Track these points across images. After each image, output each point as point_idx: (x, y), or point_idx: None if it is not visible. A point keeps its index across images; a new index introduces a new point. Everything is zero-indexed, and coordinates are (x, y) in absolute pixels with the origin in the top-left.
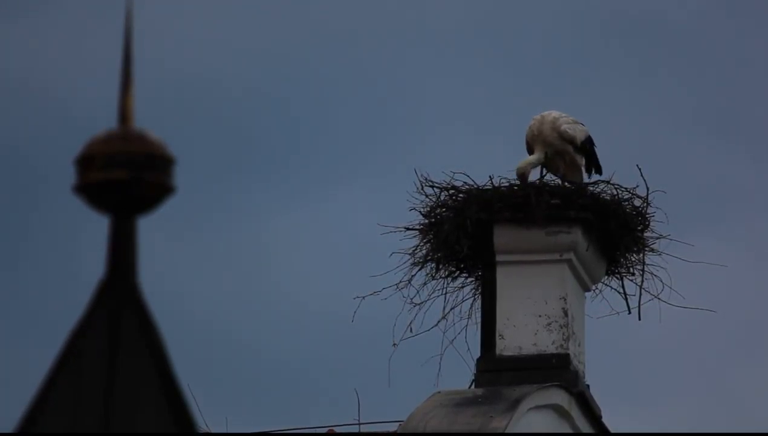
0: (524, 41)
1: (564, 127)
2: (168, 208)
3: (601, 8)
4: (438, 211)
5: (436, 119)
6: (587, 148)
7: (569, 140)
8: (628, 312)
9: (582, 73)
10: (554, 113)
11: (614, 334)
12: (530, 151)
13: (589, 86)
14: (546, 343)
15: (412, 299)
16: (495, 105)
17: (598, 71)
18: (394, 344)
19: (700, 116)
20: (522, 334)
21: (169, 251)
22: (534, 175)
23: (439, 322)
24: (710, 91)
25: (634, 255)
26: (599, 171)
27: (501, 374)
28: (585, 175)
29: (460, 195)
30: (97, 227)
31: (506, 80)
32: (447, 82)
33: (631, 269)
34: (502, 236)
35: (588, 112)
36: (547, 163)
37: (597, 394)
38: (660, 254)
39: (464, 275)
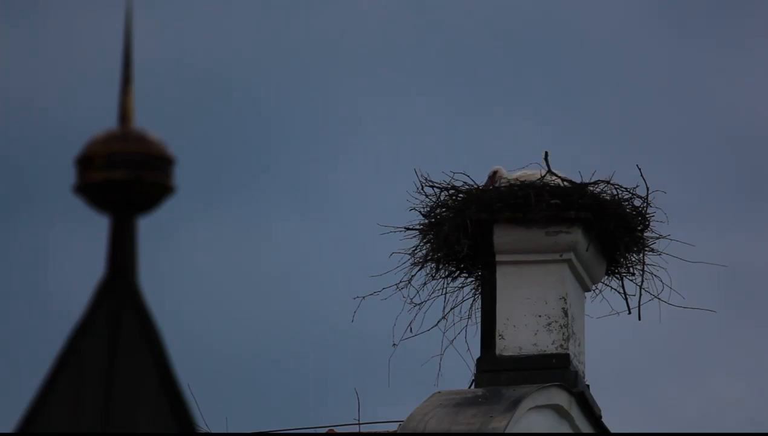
0: (524, 41)
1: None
2: (167, 208)
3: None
4: (438, 211)
5: (436, 119)
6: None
7: None
8: (628, 312)
9: (583, 73)
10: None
11: (614, 334)
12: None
13: (590, 86)
14: (546, 343)
15: (412, 299)
16: (495, 105)
17: (599, 71)
18: (394, 344)
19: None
20: (522, 334)
21: (168, 250)
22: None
23: (439, 322)
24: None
25: (634, 255)
26: None
27: (501, 374)
28: None
29: (460, 195)
30: (97, 226)
31: (507, 80)
32: (447, 81)
33: (631, 269)
34: (502, 236)
35: (589, 112)
36: None
37: (597, 394)
38: (660, 254)
39: (464, 275)
